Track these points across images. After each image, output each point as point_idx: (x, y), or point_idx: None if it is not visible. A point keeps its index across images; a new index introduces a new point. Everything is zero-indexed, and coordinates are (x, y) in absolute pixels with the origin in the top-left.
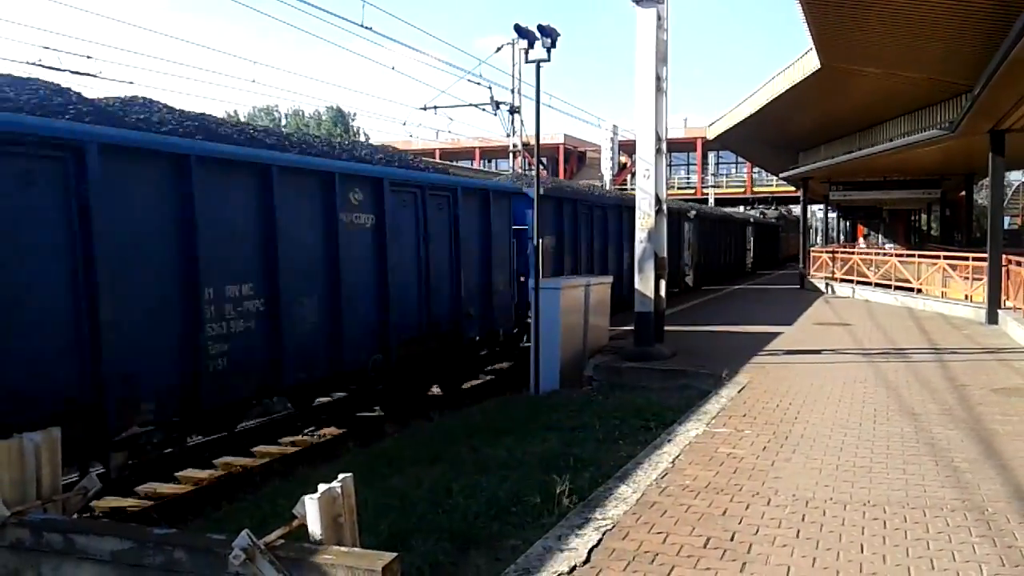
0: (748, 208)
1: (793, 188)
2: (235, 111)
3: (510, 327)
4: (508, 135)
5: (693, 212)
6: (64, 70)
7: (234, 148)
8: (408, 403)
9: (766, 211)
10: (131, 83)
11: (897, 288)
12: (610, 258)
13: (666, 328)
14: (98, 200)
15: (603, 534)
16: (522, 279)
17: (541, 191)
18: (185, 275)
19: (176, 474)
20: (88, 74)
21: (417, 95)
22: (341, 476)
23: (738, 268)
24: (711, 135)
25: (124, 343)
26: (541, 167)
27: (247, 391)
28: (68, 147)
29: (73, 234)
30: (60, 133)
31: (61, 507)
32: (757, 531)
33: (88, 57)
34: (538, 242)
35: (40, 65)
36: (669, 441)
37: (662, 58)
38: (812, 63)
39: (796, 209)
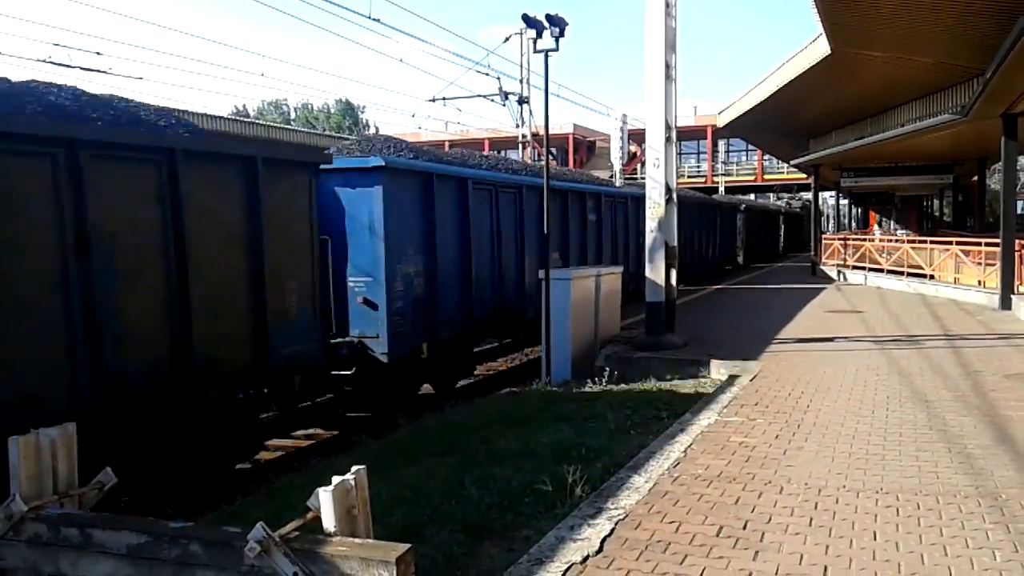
0: (776, 198)
1: (804, 175)
2: (244, 105)
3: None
4: (517, 125)
5: (744, 206)
6: (74, 67)
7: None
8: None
9: (791, 201)
10: (140, 79)
11: (909, 275)
12: (717, 244)
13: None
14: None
15: (616, 524)
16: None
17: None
18: (519, 251)
19: None
20: (98, 70)
21: (426, 87)
22: (354, 468)
23: (773, 250)
24: (721, 123)
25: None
26: (550, 157)
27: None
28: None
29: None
30: (452, 172)
31: (78, 502)
32: (770, 519)
33: (98, 53)
34: (547, 231)
35: (51, 62)
36: (681, 431)
37: (671, 46)
38: (822, 49)
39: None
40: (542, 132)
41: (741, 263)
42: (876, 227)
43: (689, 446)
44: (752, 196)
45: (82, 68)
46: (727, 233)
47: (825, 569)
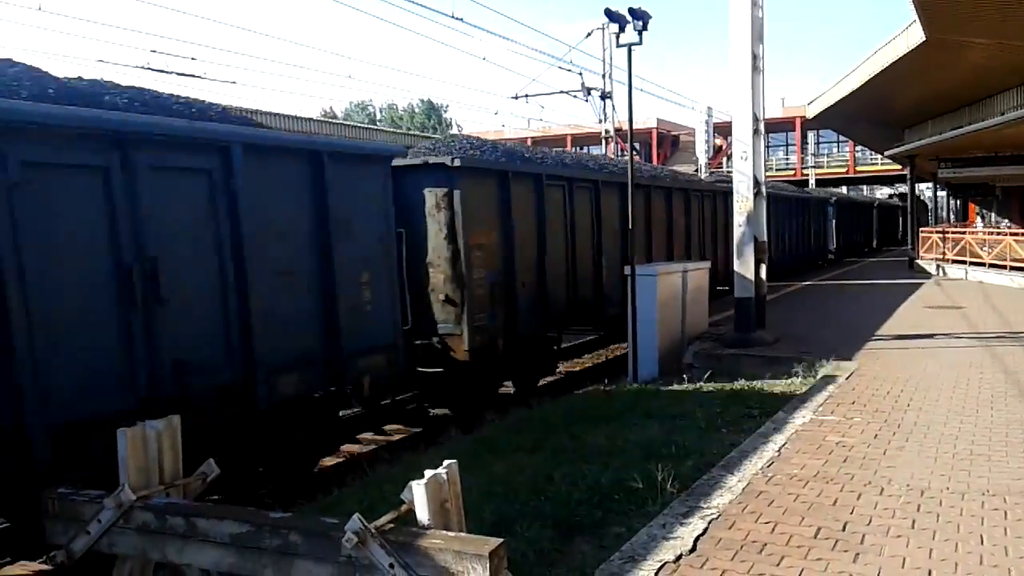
0: (890, 195)
1: (899, 166)
2: (331, 107)
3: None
4: (600, 121)
5: (876, 202)
6: (171, 72)
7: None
8: None
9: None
10: (233, 83)
11: (1013, 268)
12: (862, 232)
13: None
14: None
15: (709, 523)
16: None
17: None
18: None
19: None
20: (193, 75)
21: (508, 84)
22: (446, 462)
23: (893, 237)
24: (810, 114)
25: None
26: (634, 152)
27: None
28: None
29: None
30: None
31: (182, 491)
32: (870, 521)
33: (192, 59)
34: (632, 226)
35: (149, 68)
36: (775, 429)
37: (758, 36)
38: (916, 36)
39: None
40: (625, 127)
41: (875, 247)
42: (978, 219)
43: (783, 445)
44: (844, 189)
45: (178, 73)
46: (867, 223)
47: (929, 573)
